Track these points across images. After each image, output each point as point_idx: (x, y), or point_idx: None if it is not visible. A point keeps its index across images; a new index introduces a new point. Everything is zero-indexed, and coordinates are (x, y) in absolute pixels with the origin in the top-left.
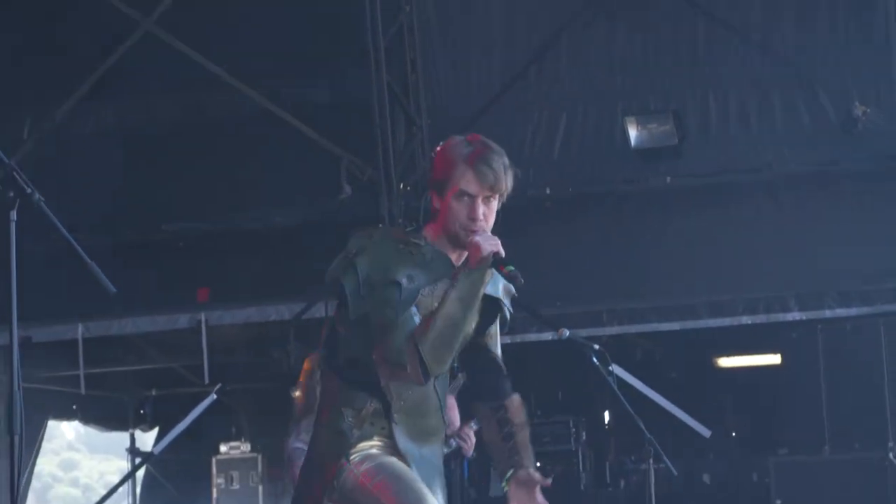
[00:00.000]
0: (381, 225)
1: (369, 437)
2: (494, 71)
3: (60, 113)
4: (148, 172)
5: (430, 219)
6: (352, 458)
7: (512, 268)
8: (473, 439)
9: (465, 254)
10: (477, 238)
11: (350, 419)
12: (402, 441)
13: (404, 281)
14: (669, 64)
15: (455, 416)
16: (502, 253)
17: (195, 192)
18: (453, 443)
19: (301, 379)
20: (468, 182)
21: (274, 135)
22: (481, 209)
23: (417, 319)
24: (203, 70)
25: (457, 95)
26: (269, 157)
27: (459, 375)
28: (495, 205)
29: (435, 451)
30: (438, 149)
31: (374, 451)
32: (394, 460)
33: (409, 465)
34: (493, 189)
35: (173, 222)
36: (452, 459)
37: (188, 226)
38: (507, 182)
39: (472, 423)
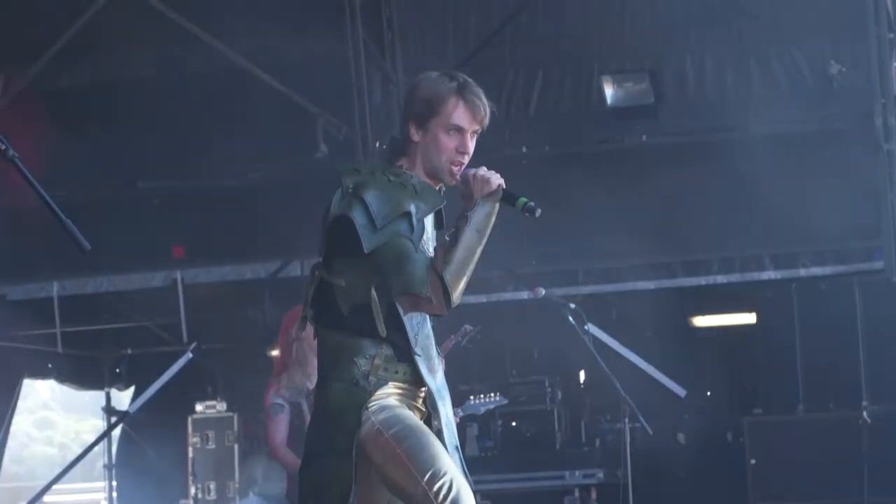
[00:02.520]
0: (362, 157)
1: (385, 384)
2: (471, 29)
3: (34, 69)
4: (123, 129)
5: (403, 152)
6: (370, 406)
7: (524, 199)
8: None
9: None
10: (485, 172)
11: (364, 368)
12: (425, 375)
13: (413, 210)
14: (646, 24)
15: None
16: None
17: (171, 149)
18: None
19: (279, 337)
20: (460, 115)
21: (250, 93)
22: (470, 143)
23: (430, 250)
24: (179, 27)
25: (433, 53)
26: (245, 115)
27: (452, 336)
28: (474, 140)
29: (443, 381)
30: (420, 80)
31: (392, 399)
32: (410, 415)
33: (434, 402)
34: (481, 123)
35: (149, 180)
36: None
37: (164, 184)
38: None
39: (458, 411)
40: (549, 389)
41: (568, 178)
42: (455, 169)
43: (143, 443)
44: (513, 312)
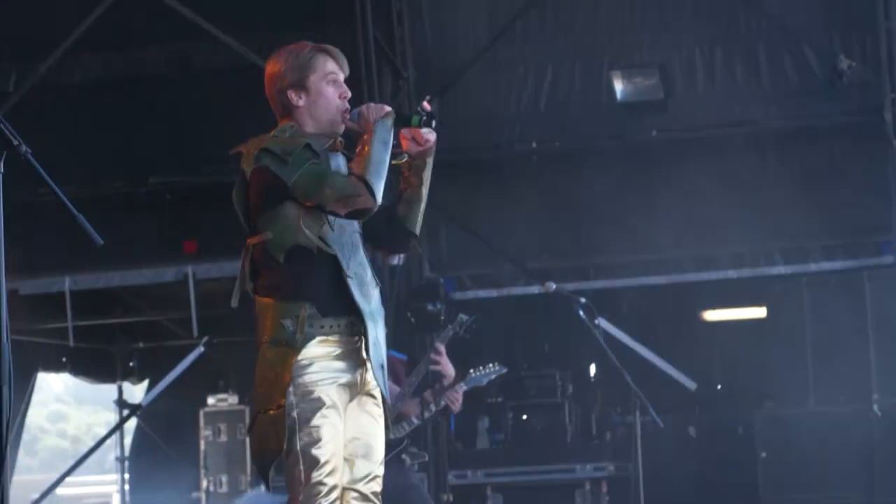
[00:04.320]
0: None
1: (312, 338)
2: (481, 24)
3: (46, 65)
4: (135, 124)
5: (287, 116)
6: (301, 360)
7: (417, 116)
8: (461, 399)
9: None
10: (373, 104)
11: (291, 328)
12: (358, 298)
13: (311, 143)
14: (656, 19)
15: (450, 366)
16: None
17: (182, 144)
18: (443, 403)
19: None
20: (333, 65)
21: (260, 87)
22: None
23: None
24: (189, 22)
25: (443, 49)
26: (256, 109)
27: (449, 326)
28: None
29: (378, 305)
30: (277, 56)
31: (319, 376)
32: (331, 416)
33: (365, 325)
34: (346, 71)
35: (161, 175)
36: (440, 416)
37: (175, 178)
38: None
39: (462, 385)
40: (560, 383)
41: (578, 173)
42: (345, 114)
43: (156, 436)
44: (523, 307)
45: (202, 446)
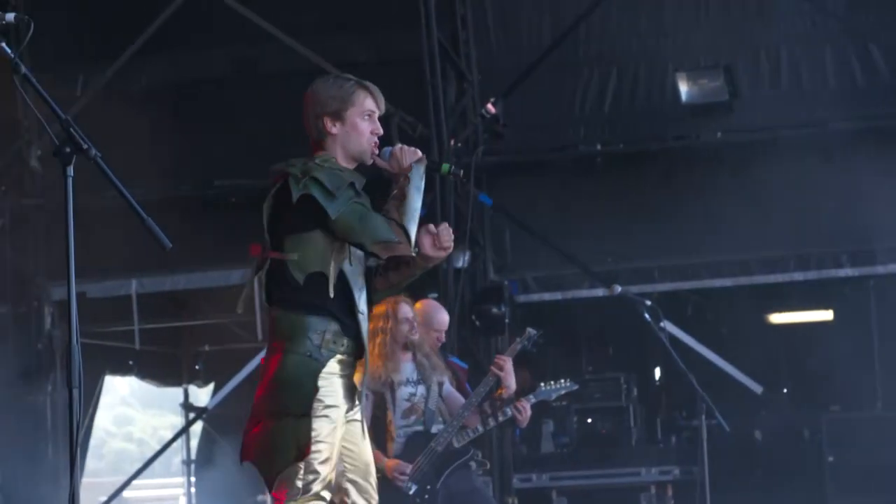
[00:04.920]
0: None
1: (333, 356)
2: (545, 26)
3: (113, 69)
4: (200, 128)
5: (319, 146)
6: (324, 374)
7: (447, 165)
8: (529, 412)
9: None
10: (406, 146)
11: (316, 342)
12: (364, 333)
13: (356, 184)
14: (720, 20)
15: (512, 380)
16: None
17: (247, 147)
18: (508, 412)
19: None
20: (372, 103)
21: None
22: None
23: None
24: (253, 25)
25: (507, 52)
26: None
27: (518, 339)
28: None
29: None
30: (319, 83)
31: (337, 393)
32: (337, 434)
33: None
34: (383, 108)
35: (226, 178)
36: (507, 428)
37: (240, 182)
38: None
39: (531, 397)
40: (625, 386)
41: (643, 175)
42: (374, 149)
43: (221, 439)
44: (588, 309)
45: None
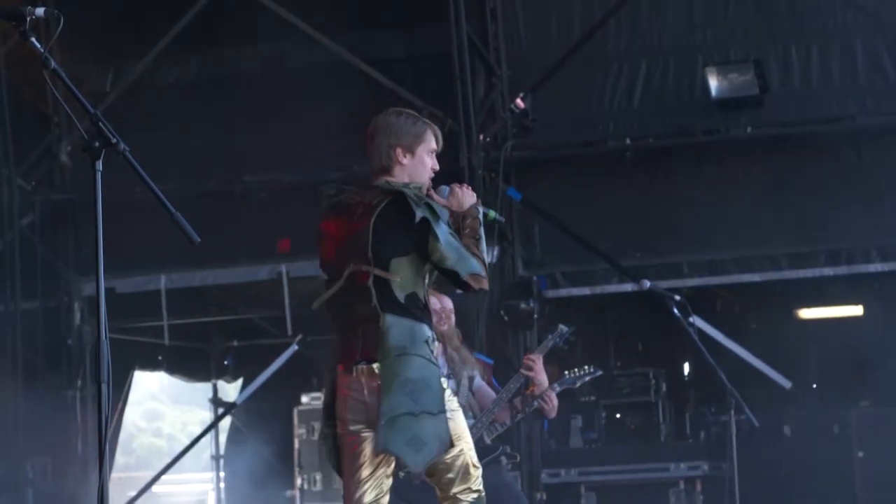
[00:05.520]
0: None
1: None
2: (574, 21)
3: (142, 65)
4: (229, 123)
5: (387, 171)
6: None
7: (493, 213)
8: (556, 402)
9: None
10: (464, 186)
11: (433, 346)
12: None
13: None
14: (750, 15)
15: (543, 378)
16: None
17: (276, 142)
18: (535, 403)
19: None
20: (435, 143)
21: (353, 86)
22: None
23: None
24: (283, 21)
25: (536, 46)
26: (349, 108)
27: (549, 337)
28: None
29: None
30: (397, 116)
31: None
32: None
33: None
34: (441, 147)
35: (255, 173)
36: (535, 419)
37: (269, 177)
38: None
39: (556, 386)
40: (654, 381)
41: (672, 170)
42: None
43: (250, 434)
44: (617, 304)
45: (296, 444)
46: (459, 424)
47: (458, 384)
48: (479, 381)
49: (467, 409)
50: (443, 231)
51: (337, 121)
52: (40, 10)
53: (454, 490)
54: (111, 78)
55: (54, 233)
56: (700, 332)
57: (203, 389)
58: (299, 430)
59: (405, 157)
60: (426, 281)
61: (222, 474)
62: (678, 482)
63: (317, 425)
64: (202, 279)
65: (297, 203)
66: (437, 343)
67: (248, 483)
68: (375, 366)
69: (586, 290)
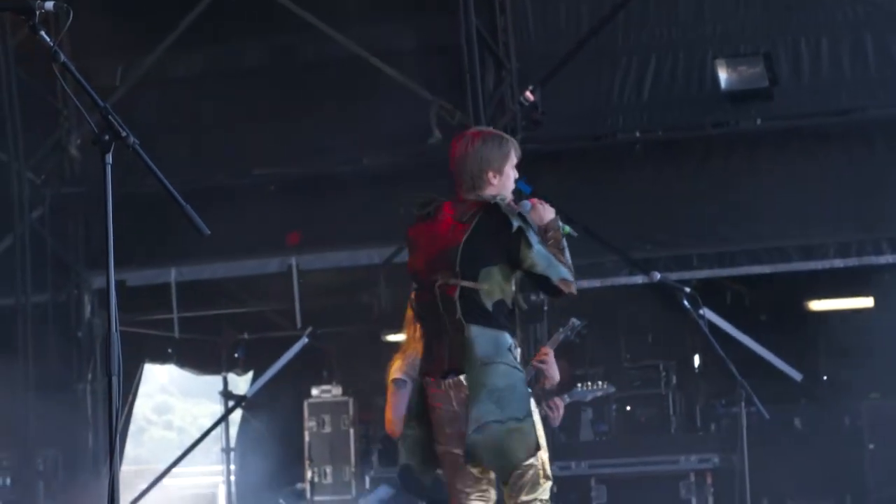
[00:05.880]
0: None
1: (523, 367)
2: (583, 14)
3: (151, 59)
4: (238, 117)
5: (477, 191)
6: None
7: (568, 227)
8: (562, 411)
9: None
10: (544, 202)
11: (516, 353)
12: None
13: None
14: (760, 7)
15: (555, 371)
16: None
17: (285, 136)
18: (542, 409)
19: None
20: (516, 156)
21: (363, 79)
22: None
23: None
24: (292, 15)
25: (545, 39)
26: (359, 101)
27: (561, 330)
28: None
29: None
30: (485, 138)
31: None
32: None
33: None
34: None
35: (264, 166)
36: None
37: (278, 170)
38: None
39: (566, 397)
40: (664, 374)
41: (682, 162)
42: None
43: (260, 426)
44: (627, 297)
45: (306, 437)
46: (542, 431)
47: None
48: None
49: None
50: (535, 239)
51: (346, 114)
52: (49, 4)
53: (522, 497)
54: (120, 71)
55: (64, 226)
56: (710, 324)
57: (213, 382)
58: (309, 423)
59: (496, 178)
60: (513, 288)
61: (233, 467)
62: (688, 475)
63: (327, 418)
64: (212, 272)
65: (306, 196)
66: (518, 349)
67: (259, 476)
68: (462, 377)
69: (596, 283)
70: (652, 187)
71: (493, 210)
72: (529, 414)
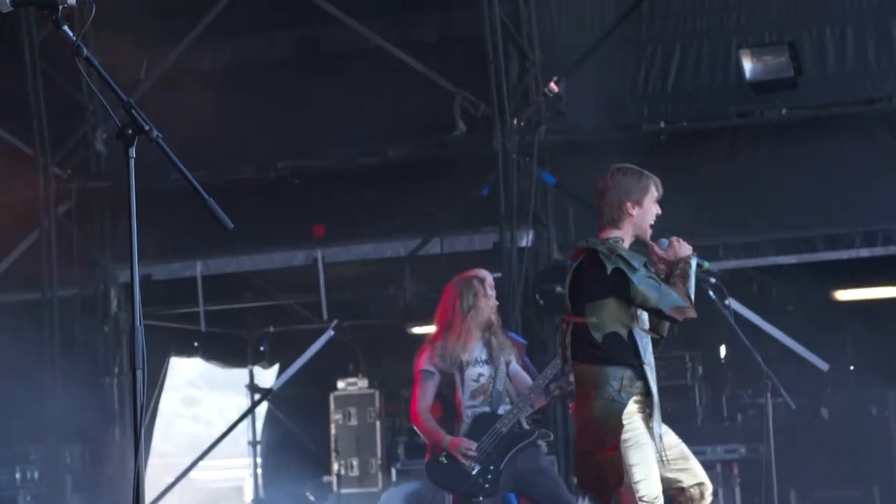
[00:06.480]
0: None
1: (631, 397)
2: (607, 4)
3: (176, 52)
4: (263, 110)
5: (615, 225)
6: (625, 421)
7: (707, 264)
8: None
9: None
10: (682, 240)
11: (616, 387)
12: (652, 383)
13: (647, 263)
14: None
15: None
16: None
17: (310, 128)
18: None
19: (441, 302)
20: (657, 192)
21: (388, 71)
22: None
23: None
24: (316, 7)
25: (570, 29)
26: (383, 93)
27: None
28: None
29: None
30: (624, 174)
31: (639, 423)
32: (652, 457)
33: (654, 404)
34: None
35: (289, 159)
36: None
37: (304, 163)
38: None
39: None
40: (690, 365)
41: (707, 152)
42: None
43: (287, 419)
44: None
45: (333, 430)
46: (636, 453)
47: (496, 370)
48: (514, 367)
49: (504, 396)
50: (638, 276)
51: (371, 106)
52: None
53: None
54: (145, 65)
55: (90, 220)
56: (736, 314)
57: (240, 375)
58: (335, 416)
59: (634, 209)
60: (636, 322)
61: (259, 460)
62: (715, 465)
63: (353, 411)
64: (238, 265)
65: (331, 189)
66: (627, 380)
67: (285, 469)
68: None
69: None
70: (676, 178)
71: (592, 255)
72: (617, 447)
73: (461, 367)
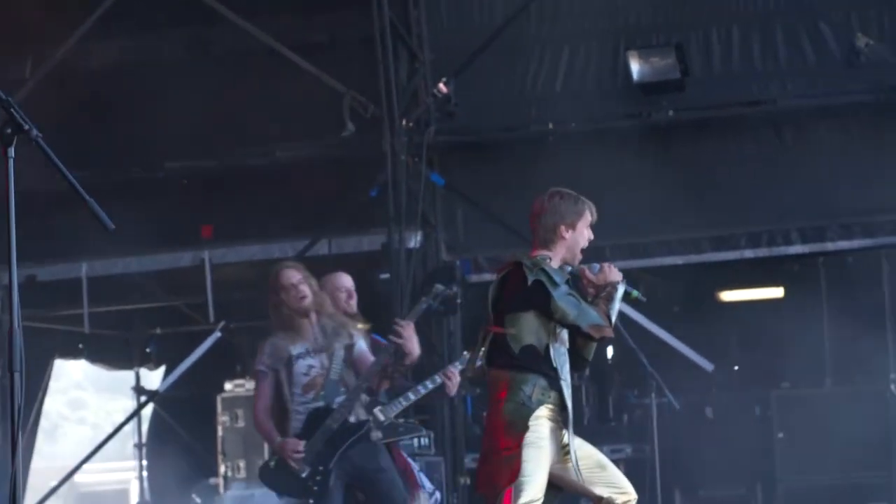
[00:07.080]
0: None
1: (542, 405)
2: (496, 5)
3: (62, 51)
4: (151, 110)
5: (547, 246)
6: (531, 424)
7: (636, 293)
8: (458, 378)
9: None
10: (613, 266)
11: (528, 392)
12: (567, 398)
13: (570, 281)
14: None
15: (413, 345)
16: None
17: (198, 129)
18: (438, 379)
19: (269, 299)
20: (591, 218)
21: (277, 72)
22: None
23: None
24: (205, 7)
25: (459, 30)
26: (273, 94)
27: (423, 299)
28: None
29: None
30: (560, 197)
31: (545, 423)
32: (546, 462)
33: (567, 419)
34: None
35: (177, 160)
36: (440, 398)
37: (192, 163)
38: None
39: (457, 363)
40: None
41: (594, 154)
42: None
43: (173, 422)
44: None
45: (220, 432)
46: (532, 453)
47: (331, 358)
48: (360, 347)
49: (340, 386)
50: (559, 292)
51: (260, 106)
52: None
53: None
54: (30, 65)
55: None
56: (622, 314)
57: (126, 378)
58: (222, 418)
59: (568, 232)
60: (553, 336)
61: (145, 462)
62: None
63: (240, 412)
64: (124, 266)
65: (219, 189)
66: (540, 388)
67: (172, 471)
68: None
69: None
70: (564, 179)
71: (517, 268)
72: (519, 447)
73: (289, 363)
